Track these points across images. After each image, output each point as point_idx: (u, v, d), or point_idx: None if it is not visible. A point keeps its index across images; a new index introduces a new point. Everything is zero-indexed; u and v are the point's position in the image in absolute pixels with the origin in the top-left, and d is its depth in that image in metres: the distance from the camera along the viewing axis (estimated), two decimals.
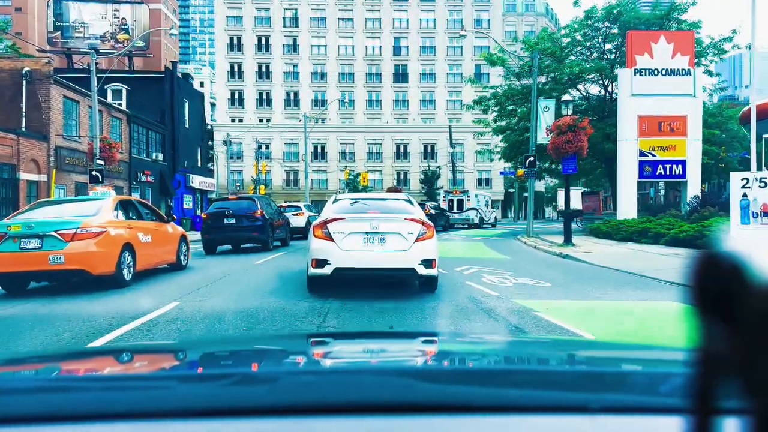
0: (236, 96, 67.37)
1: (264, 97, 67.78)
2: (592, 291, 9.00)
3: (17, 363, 1.45)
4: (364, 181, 60.21)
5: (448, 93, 68.96)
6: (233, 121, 66.55)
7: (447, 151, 63.91)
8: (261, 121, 67.22)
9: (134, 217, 10.66)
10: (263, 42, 66.96)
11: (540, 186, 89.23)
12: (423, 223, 7.96)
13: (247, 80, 67.46)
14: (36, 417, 0.83)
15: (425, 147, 66.21)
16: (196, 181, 41.56)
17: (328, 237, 7.77)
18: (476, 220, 43.12)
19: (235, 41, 67.01)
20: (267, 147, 64.03)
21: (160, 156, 35.94)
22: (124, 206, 10.56)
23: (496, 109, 32.60)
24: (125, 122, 32.69)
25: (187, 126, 41.45)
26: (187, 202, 40.51)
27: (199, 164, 44.19)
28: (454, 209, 42.48)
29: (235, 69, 67.55)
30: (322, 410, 0.83)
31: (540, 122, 25.05)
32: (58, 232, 8.79)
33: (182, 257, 12.38)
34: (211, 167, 53.30)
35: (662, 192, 40.59)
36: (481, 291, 8.66)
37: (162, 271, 11.74)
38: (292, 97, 68.16)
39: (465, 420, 0.81)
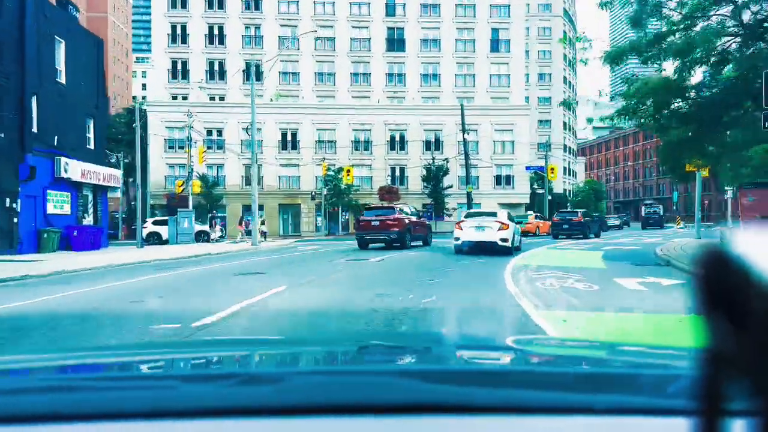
0: (178, 66, 51.25)
1: (216, 68, 51.76)
2: None
3: (23, 363, 1.44)
4: (348, 178, 44.61)
5: (457, 65, 53.67)
6: (174, 98, 50.30)
7: (458, 140, 48.60)
8: (212, 99, 51.17)
9: None
10: None
11: (559, 186, 75.10)
12: (501, 223, 17.33)
13: (193, 46, 51.44)
14: (41, 416, 0.84)
15: (428, 134, 50.66)
16: (78, 170, 25.38)
17: (460, 228, 17.77)
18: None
19: None
20: (219, 133, 48.07)
21: None
22: None
23: (675, 63, 17.41)
24: None
25: (62, 82, 25.35)
26: (57, 204, 24.32)
27: (91, 145, 27.92)
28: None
29: (178, 31, 51.45)
30: (328, 410, 0.84)
31: None
32: None
33: None
34: (112, 153, 37.25)
35: None
36: None
37: None
38: (253, 68, 52.16)
39: (470, 420, 0.82)
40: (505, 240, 16.79)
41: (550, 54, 75.89)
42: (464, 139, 46.84)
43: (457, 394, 0.90)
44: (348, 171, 44.21)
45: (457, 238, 17.43)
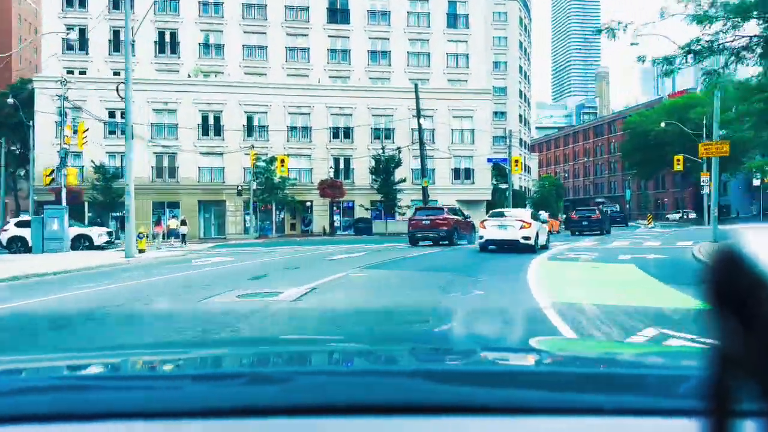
0: (76, 35, 42.22)
1: (121, 37, 43.02)
2: None
3: (29, 363, 1.43)
4: (282, 170, 37.12)
5: (410, 42, 47.03)
6: (71, 72, 41.28)
7: (412, 127, 41.98)
8: (117, 74, 42.47)
9: None
10: None
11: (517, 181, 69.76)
12: (523, 221, 17.21)
13: (92, 11, 42.61)
14: (47, 416, 0.85)
15: (376, 120, 43.74)
16: None
17: (483, 227, 17.76)
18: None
19: None
20: (122, 115, 39.45)
21: None
22: None
23: None
24: None
25: None
26: None
27: None
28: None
29: None
30: (334, 410, 0.85)
31: None
32: None
33: None
34: None
35: None
36: None
37: None
38: (167, 38, 43.88)
39: (476, 421, 0.82)
40: (527, 238, 16.90)
41: (506, 41, 70.54)
42: (419, 125, 40.22)
43: (463, 394, 0.91)
44: (282, 161, 36.75)
45: (481, 237, 17.82)
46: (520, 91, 73.78)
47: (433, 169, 44.32)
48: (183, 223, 32.18)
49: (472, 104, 44.68)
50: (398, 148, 40.79)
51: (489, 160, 44.19)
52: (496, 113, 68.11)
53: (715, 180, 23.24)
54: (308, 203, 43.17)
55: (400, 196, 40.71)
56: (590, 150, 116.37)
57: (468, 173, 45.48)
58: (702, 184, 48.82)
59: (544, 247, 18.48)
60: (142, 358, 1.51)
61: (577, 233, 33.42)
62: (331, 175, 41.72)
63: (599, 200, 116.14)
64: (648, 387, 1.04)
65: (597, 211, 34.89)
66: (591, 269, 12.71)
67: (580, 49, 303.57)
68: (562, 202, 65.39)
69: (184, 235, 31.37)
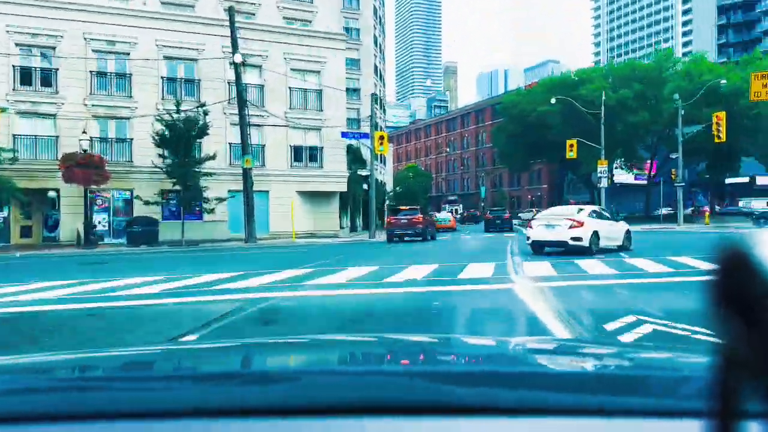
0: None
1: None
2: None
3: (32, 363, 1.42)
4: None
5: None
6: None
7: (227, 78, 27.32)
8: None
9: None
10: None
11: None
12: (574, 220, 15.56)
13: None
14: (46, 415, 0.85)
15: (171, 64, 28.19)
16: None
17: (531, 227, 16.52)
18: None
19: None
20: None
21: None
22: None
23: None
24: None
25: None
26: None
27: None
28: None
29: None
30: (340, 410, 0.85)
31: None
32: None
33: None
34: None
35: None
36: None
37: None
38: None
39: (480, 422, 0.82)
40: (577, 239, 15.32)
41: (358, 3, 58.08)
42: (236, 69, 25.66)
43: (467, 395, 0.90)
44: None
45: (528, 238, 16.70)
46: (375, 67, 61.89)
47: (263, 146, 29.92)
48: None
49: (320, 52, 31.01)
50: (204, 106, 25.63)
51: (344, 134, 30.84)
52: (349, 91, 55.34)
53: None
54: (52, 193, 26.51)
55: (206, 184, 25.71)
56: (443, 145, 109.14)
57: (314, 153, 31.72)
58: (599, 175, 40.32)
59: (628, 249, 16.74)
60: (142, 359, 1.48)
61: (490, 230, 36.90)
62: (89, 147, 25.28)
63: (451, 198, 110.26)
64: (651, 388, 1.02)
65: (507, 212, 37.93)
66: None
67: (423, 49, 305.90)
68: (426, 197, 54.15)
69: None
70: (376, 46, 62.67)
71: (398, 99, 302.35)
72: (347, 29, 54.70)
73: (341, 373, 1.22)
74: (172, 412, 0.85)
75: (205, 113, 25.47)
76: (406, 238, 26.38)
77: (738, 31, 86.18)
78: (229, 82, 28.23)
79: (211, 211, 25.80)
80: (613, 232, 16.56)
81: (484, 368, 1.29)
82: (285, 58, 30.26)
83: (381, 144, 30.43)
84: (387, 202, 59.13)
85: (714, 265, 0.39)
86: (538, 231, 16.15)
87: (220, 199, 25.81)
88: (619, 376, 1.19)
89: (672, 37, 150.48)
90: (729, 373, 0.39)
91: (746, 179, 61.72)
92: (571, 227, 15.44)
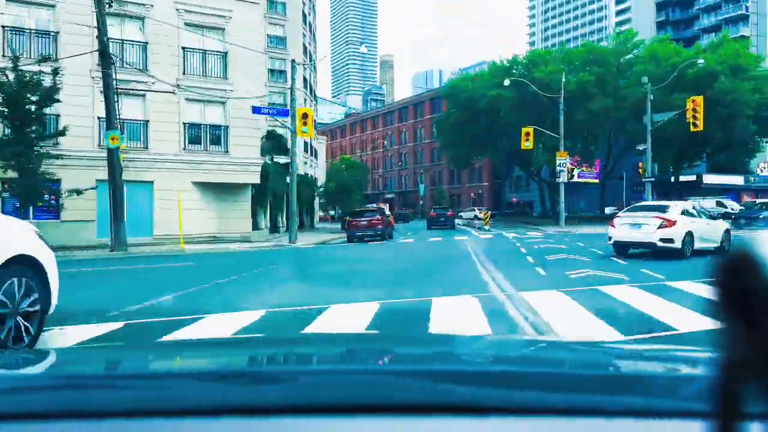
0: None
1: None
2: None
3: (34, 363, 1.41)
4: None
5: None
6: None
7: (93, 28, 20.18)
8: None
9: None
10: None
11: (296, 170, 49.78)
12: (664, 219, 13.80)
13: None
14: (46, 414, 0.85)
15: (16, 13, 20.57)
16: None
17: (613, 225, 14.90)
18: None
19: None
20: None
21: None
22: None
23: None
24: None
25: None
26: None
27: None
28: None
29: None
30: (339, 410, 0.85)
31: None
32: None
33: None
34: None
35: None
36: None
37: None
38: None
39: (480, 422, 0.82)
40: (668, 240, 13.74)
41: None
42: (99, 11, 18.73)
43: (467, 395, 0.90)
44: None
45: (610, 237, 15.01)
46: (305, 47, 55.18)
47: (146, 122, 22.81)
48: None
49: (224, 4, 24.18)
50: (46, 57, 18.23)
51: (255, 109, 24.12)
52: (274, 73, 48.37)
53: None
54: None
55: (65, 171, 18.44)
56: (379, 140, 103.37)
57: (217, 134, 24.84)
58: (558, 168, 35.44)
59: (722, 250, 14.82)
60: (141, 358, 1.48)
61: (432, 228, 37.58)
62: None
63: (389, 196, 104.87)
64: (652, 388, 1.02)
65: (450, 210, 39.09)
66: None
67: (359, 45, 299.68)
68: (359, 194, 47.91)
69: None
70: (306, 24, 55.99)
71: (334, 96, 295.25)
72: (271, 2, 47.82)
73: (340, 373, 1.19)
74: (170, 410, 0.84)
75: (56, 72, 18.27)
76: (366, 239, 26.48)
77: (677, 28, 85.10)
78: (94, 36, 21.02)
79: (62, 206, 18.61)
80: (709, 232, 14.98)
81: (484, 368, 1.27)
82: (177, 9, 23.26)
83: (305, 124, 24.03)
84: (318, 199, 52.66)
85: (718, 270, 0.39)
86: (621, 230, 14.80)
87: (77, 191, 18.64)
88: (619, 376, 1.17)
89: (606, 38, 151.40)
90: (730, 374, 0.39)
91: (693, 177, 59.40)
92: (660, 227, 14.03)
